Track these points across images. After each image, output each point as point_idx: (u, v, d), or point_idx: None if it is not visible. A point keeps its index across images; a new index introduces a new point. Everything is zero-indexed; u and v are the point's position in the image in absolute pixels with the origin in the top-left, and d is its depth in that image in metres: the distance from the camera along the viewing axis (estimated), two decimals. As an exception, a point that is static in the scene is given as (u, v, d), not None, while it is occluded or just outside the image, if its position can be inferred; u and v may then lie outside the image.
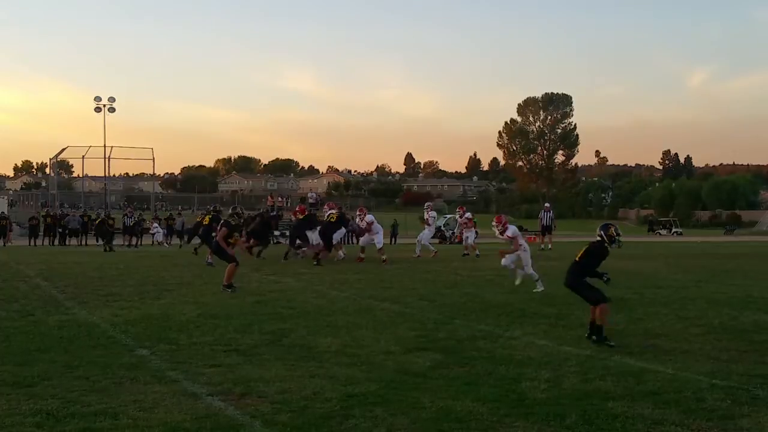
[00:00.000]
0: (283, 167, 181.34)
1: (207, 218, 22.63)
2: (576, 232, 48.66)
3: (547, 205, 30.55)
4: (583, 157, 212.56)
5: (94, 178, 72.65)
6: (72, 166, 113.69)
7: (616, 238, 8.63)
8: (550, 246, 27.13)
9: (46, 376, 6.56)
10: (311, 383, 6.35)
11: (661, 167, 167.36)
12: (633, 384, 6.37)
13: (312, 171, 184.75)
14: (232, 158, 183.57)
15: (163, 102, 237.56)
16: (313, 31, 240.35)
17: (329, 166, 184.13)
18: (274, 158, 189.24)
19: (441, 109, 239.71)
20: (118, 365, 7.03)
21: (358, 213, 23.09)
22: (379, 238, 21.56)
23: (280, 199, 58.22)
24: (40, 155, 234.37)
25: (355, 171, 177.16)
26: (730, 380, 6.53)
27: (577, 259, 8.72)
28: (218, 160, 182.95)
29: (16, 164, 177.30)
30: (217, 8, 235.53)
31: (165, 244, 33.97)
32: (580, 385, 6.37)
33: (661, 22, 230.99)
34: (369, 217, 21.91)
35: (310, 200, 54.66)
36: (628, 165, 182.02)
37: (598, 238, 8.70)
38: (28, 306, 11.35)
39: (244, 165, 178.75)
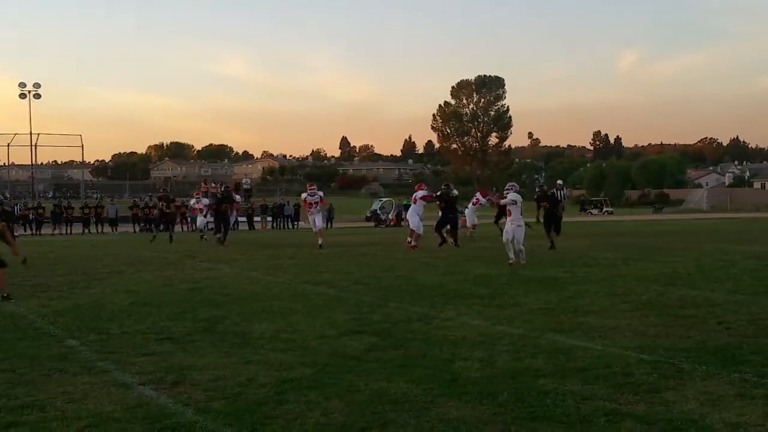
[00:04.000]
0: (218, 153, 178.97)
1: None
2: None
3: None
4: (517, 139, 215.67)
5: (21, 166, 70.19)
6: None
7: None
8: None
9: (-32, 370, 6.34)
10: (245, 370, 6.30)
11: (592, 148, 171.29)
12: (563, 361, 6.50)
13: (247, 156, 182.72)
14: (165, 144, 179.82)
15: (92, 88, 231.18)
16: (246, 16, 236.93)
17: (264, 152, 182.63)
18: (207, 144, 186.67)
19: (376, 92, 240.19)
20: (46, 357, 6.84)
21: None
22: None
23: (213, 185, 57.40)
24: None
25: (290, 156, 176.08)
26: (657, 354, 6.70)
27: None
28: (150, 147, 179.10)
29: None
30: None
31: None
32: (513, 363, 6.47)
33: (591, 4, 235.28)
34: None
35: (245, 186, 54.19)
36: (560, 146, 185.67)
37: None
38: (-51, 299, 10.94)
39: (177, 151, 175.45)
